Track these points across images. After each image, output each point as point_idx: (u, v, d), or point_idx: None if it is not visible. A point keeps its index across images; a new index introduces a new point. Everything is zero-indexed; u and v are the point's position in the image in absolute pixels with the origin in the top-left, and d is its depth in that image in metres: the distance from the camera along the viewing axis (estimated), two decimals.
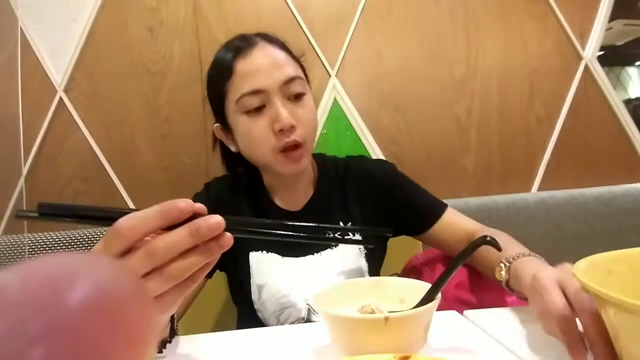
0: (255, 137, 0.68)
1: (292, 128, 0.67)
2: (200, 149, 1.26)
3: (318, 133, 0.88)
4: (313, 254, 0.72)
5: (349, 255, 0.73)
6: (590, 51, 1.36)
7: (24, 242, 0.97)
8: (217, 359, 0.47)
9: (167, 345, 0.52)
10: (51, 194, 1.23)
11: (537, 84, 1.35)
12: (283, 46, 0.73)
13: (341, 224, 0.75)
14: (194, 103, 1.26)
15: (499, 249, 0.39)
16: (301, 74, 0.72)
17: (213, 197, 0.76)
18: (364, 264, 0.73)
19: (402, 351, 0.36)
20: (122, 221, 0.31)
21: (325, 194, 0.77)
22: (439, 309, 0.43)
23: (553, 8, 1.35)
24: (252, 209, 0.76)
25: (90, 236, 1.00)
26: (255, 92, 0.66)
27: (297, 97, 0.69)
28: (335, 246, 0.73)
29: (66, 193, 1.24)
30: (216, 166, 1.26)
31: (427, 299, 0.41)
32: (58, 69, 1.25)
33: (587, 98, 1.36)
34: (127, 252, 0.31)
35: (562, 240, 1.05)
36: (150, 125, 1.26)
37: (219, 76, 0.71)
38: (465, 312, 0.54)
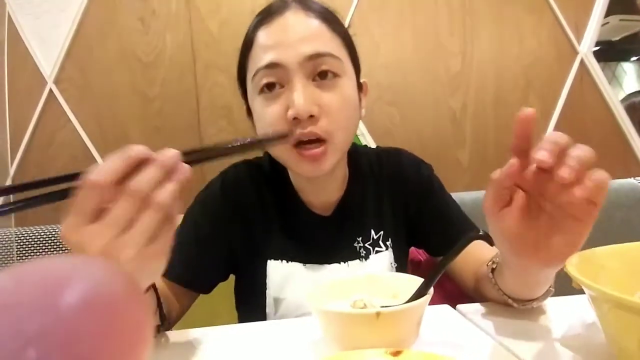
0: (266, 124, 0.56)
1: (312, 118, 0.53)
2: (194, 141, 1.25)
3: None
4: (339, 263, 0.63)
5: (380, 269, 0.64)
6: (586, 46, 1.35)
7: (11, 237, 0.95)
8: (211, 353, 0.47)
9: (161, 330, 0.52)
10: None
11: (533, 78, 1.35)
12: (323, 14, 0.58)
13: (372, 232, 0.65)
14: (188, 95, 1.25)
15: (492, 243, 0.38)
16: (337, 51, 0.56)
17: (229, 190, 0.64)
18: None
19: (394, 346, 0.36)
20: (91, 175, 0.32)
21: (358, 195, 0.66)
22: (432, 303, 0.43)
23: (549, 2, 1.34)
24: (277, 209, 0.64)
25: None
26: (270, 66, 0.54)
27: (325, 78, 0.55)
28: (366, 258, 0.64)
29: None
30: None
31: (419, 293, 0.41)
32: (47, 59, 1.23)
33: (582, 93, 1.36)
34: (100, 211, 0.32)
35: None
36: (142, 117, 1.25)
37: (243, 48, 0.59)
38: (458, 306, 0.54)
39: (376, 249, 0.65)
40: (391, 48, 1.31)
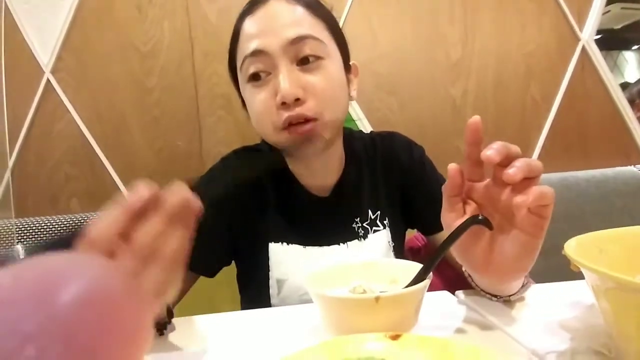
0: (257, 111, 0.58)
1: (299, 100, 0.55)
2: (193, 131, 1.25)
3: None
4: (339, 244, 0.65)
5: (378, 248, 0.65)
6: (588, 33, 1.34)
7: (12, 228, 0.96)
8: (212, 340, 0.47)
9: (168, 326, 0.52)
10: (40, 177, 1.22)
11: (534, 66, 1.34)
12: (306, 1, 0.59)
13: (370, 212, 0.67)
14: (186, 84, 1.24)
15: (491, 227, 0.38)
16: (320, 34, 0.58)
17: (229, 175, 0.65)
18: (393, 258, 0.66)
19: (393, 330, 0.36)
20: (90, 229, 0.29)
21: (354, 177, 0.68)
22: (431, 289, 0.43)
23: None
24: (276, 193, 0.66)
25: (79, 220, 0.99)
26: (255, 54, 0.56)
27: (308, 62, 0.56)
28: (364, 237, 0.66)
29: (56, 177, 1.23)
30: (210, 148, 1.25)
31: (418, 279, 0.41)
32: (45, 49, 1.21)
33: (584, 81, 1.35)
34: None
35: (554, 221, 1.06)
36: (141, 107, 1.24)
37: (231, 40, 0.62)
38: (457, 292, 0.55)
39: (374, 228, 0.67)
40: (390, 37, 1.29)
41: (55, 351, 0.19)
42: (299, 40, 0.56)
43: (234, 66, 0.62)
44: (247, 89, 0.59)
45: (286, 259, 0.64)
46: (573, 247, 0.33)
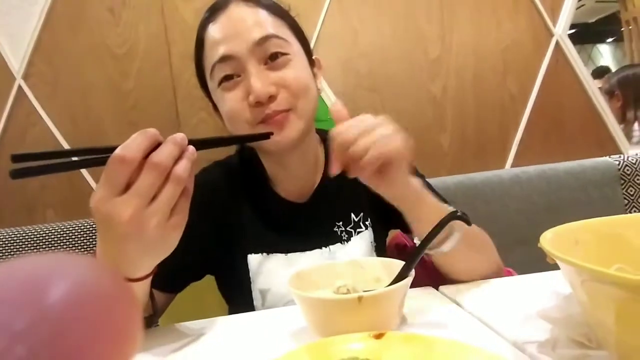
0: (230, 112, 0.59)
1: (271, 97, 0.57)
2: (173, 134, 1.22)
3: None
4: (321, 248, 0.65)
5: (360, 250, 0.66)
6: (561, 28, 1.37)
7: None
8: (198, 345, 0.46)
9: (154, 320, 0.52)
10: (15, 187, 1.18)
11: (510, 62, 1.36)
12: (264, 3, 0.62)
13: (352, 215, 0.67)
14: (164, 87, 1.22)
15: (469, 223, 0.38)
16: (282, 33, 0.60)
17: (206, 186, 0.64)
18: None
19: (377, 329, 0.36)
20: (119, 150, 0.37)
21: (335, 180, 0.68)
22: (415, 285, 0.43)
23: None
24: (250, 201, 0.66)
25: (55, 230, 0.96)
26: (224, 59, 0.57)
27: (276, 59, 0.58)
28: (347, 240, 0.66)
29: (30, 186, 1.19)
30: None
31: (400, 276, 0.41)
32: (16, 55, 1.18)
33: (558, 75, 1.37)
34: (129, 183, 0.37)
35: (535, 213, 1.08)
36: (118, 112, 1.21)
37: (196, 48, 0.63)
38: (441, 287, 0.55)
39: (357, 230, 0.67)
40: (370, 35, 1.29)
41: (45, 351, 0.19)
42: (265, 40, 0.57)
43: (202, 74, 0.63)
44: (218, 94, 0.60)
45: (267, 269, 0.63)
46: (549, 239, 0.33)
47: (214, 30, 0.59)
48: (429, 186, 0.69)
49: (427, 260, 0.56)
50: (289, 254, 0.64)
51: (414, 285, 0.43)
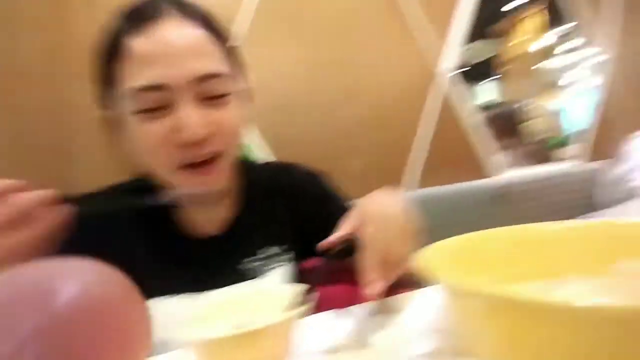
0: (149, 146, 0.50)
1: (204, 140, 0.50)
2: (64, 160, 1.11)
3: None
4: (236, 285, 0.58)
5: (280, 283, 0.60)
6: (446, 68, 1.55)
7: None
8: None
9: None
10: None
11: (398, 99, 1.50)
12: (205, 22, 0.53)
13: (270, 247, 0.62)
14: (56, 107, 1.11)
15: (357, 250, 0.41)
16: (226, 69, 0.53)
17: (90, 223, 0.53)
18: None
19: None
20: None
21: (254, 211, 0.62)
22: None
23: (409, 25, 1.51)
24: (146, 238, 0.57)
25: None
26: (155, 88, 0.48)
27: (214, 98, 0.51)
28: (263, 274, 0.59)
29: None
30: (78, 179, 1.11)
31: (293, 305, 0.40)
32: None
33: (443, 112, 1.53)
34: None
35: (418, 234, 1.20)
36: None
37: (108, 52, 0.52)
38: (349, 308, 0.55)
39: (275, 264, 0.62)
40: (282, 61, 1.34)
41: (53, 352, 0.19)
42: (208, 78, 0.50)
43: (108, 79, 0.52)
44: (132, 119, 0.51)
45: (172, 315, 0.52)
46: (426, 257, 0.37)
47: (142, 45, 0.49)
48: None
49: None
50: (198, 294, 0.56)
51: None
